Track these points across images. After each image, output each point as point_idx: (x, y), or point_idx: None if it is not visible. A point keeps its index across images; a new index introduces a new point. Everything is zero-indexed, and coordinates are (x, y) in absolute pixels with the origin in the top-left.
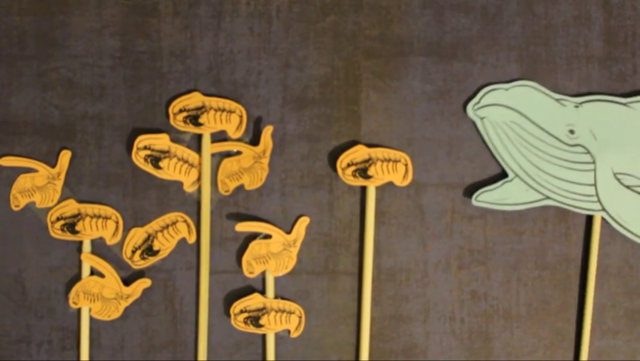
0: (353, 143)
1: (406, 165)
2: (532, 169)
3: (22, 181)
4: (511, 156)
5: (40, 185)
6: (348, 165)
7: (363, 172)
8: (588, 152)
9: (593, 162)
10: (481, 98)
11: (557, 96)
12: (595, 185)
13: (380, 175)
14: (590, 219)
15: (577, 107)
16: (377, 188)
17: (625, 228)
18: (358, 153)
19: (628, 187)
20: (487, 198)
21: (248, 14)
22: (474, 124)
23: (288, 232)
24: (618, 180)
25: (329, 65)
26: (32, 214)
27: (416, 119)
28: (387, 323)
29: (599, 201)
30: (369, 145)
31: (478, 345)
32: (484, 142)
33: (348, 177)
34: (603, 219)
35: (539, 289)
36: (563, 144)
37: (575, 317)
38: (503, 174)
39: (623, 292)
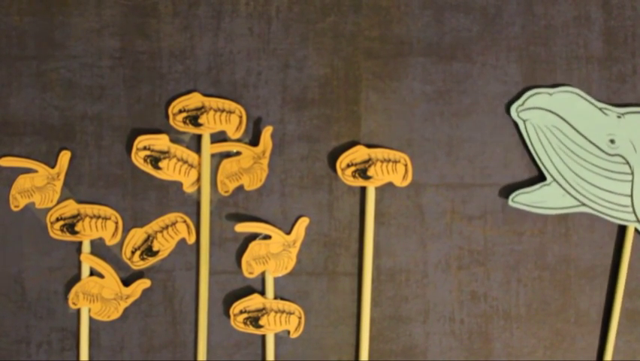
0: (353, 143)
1: (406, 165)
2: (571, 175)
3: (22, 182)
4: (550, 160)
5: (39, 185)
6: (348, 166)
7: (362, 173)
8: (627, 162)
9: (632, 173)
10: (525, 101)
11: (601, 105)
12: (631, 196)
13: (380, 176)
14: (622, 229)
15: (619, 117)
16: (377, 188)
17: None
18: (358, 153)
19: None
20: (525, 200)
21: (247, 15)
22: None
23: (288, 233)
24: None
25: (329, 65)
26: (32, 215)
27: (416, 120)
28: (386, 323)
29: (634, 212)
30: (369, 145)
31: (478, 346)
32: (525, 146)
33: (347, 178)
34: (636, 230)
35: (539, 289)
36: (603, 152)
37: (575, 318)
38: (541, 177)
39: (622, 293)
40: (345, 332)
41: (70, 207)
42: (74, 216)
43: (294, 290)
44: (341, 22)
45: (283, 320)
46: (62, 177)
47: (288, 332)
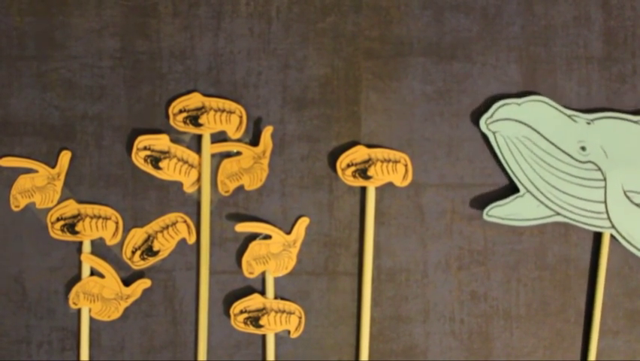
0: (353, 143)
1: (406, 165)
2: (544, 185)
3: (22, 182)
4: (522, 171)
5: (40, 185)
6: (348, 166)
7: (363, 173)
8: (599, 169)
9: (604, 179)
10: (493, 113)
11: (570, 112)
12: (605, 202)
13: (380, 176)
14: (597, 235)
15: (589, 123)
16: (377, 188)
17: (634, 246)
18: (358, 153)
19: (638, 205)
20: (499, 213)
21: (248, 15)
22: (477, 130)
23: (288, 233)
24: (628, 197)
25: (329, 65)
26: (32, 215)
27: (416, 120)
28: (387, 323)
29: (608, 218)
30: (369, 145)
31: (478, 345)
32: (491, 150)
33: (348, 178)
34: (612, 236)
35: (539, 289)
36: (574, 160)
37: (575, 318)
38: (510, 188)
39: (622, 293)
40: (346, 332)
41: (71, 207)
42: (75, 216)
43: (295, 290)
44: (341, 22)
45: (283, 320)
46: (63, 177)
47: (289, 332)
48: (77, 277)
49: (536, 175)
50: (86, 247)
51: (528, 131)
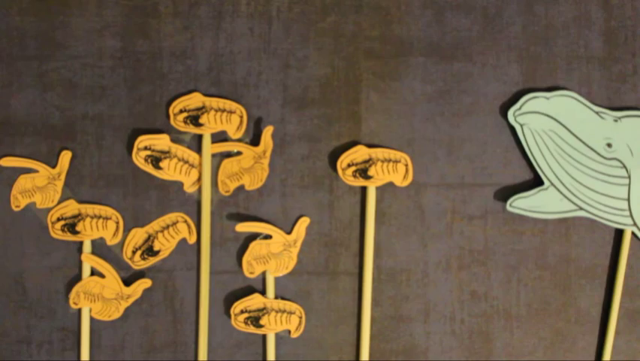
0: (353, 143)
1: (407, 165)
2: (568, 179)
3: (23, 182)
4: (548, 164)
5: (40, 185)
6: (349, 166)
7: (363, 172)
8: (624, 166)
9: (628, 177)
10: (522, 105)
11: (597, 109)
12: (628, 199)
13: (380, 175)
14: (619, 232)
15: (616, 121)
16: (377, 188)
17: None
18: (359, 153)
19: None
20: (522, 204)
21: (248, 15)
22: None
23: (289, 233)
24: None
25: (329, 65)
26: (33, 215)
27: (416, 120)
28: (387, 323)
29: (630, 216)
30: (370, 145)
31: (479, 345)
32: (521, 150)
33: (348, 178)
34: (633, 233)
35: (539, 289)
36: (600, 156)
37: (575, 317)
38: (538, 182)
39: (623, 293)
40: (346, 332)
41: (71, 207)
42: (75, 216)
43: (295, 290)
44: (342, 22)
45: (284, 320)
46: (63, 177)
47: (289, 332)
48: (78, 277)
49: (561, 169)
50: (87, 247)
51: (555, 125)
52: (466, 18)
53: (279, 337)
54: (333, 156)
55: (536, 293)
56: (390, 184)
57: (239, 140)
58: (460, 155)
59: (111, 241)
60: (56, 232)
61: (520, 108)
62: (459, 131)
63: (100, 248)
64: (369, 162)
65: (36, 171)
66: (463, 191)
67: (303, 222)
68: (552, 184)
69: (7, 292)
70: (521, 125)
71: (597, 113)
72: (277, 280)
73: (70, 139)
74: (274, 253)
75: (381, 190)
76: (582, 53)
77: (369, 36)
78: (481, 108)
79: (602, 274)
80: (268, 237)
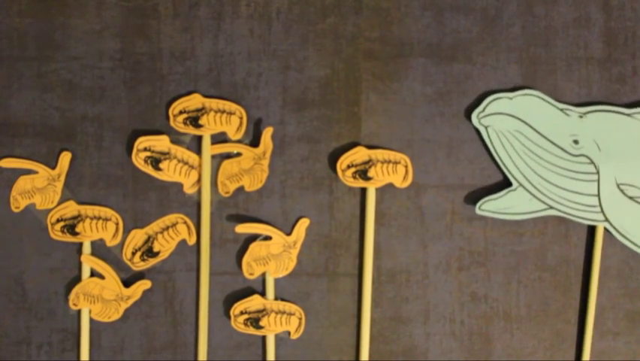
0: (353, 144)
1: (406, 166)
2: (536, 178)
3: (23, 183)
4: (515, 165)
5: (40, 186)
6: (348, 167)
7: (363, 174)
8: (592, 162)
9: (597, 173)
10: (485, 107)
11: (562, 106)
12: (598, 195)
13: (380, 177)
14: (592, 228)
15: (581, 117)
16: (377, 189)
17: (628, 239)
18: (358, 154)
19: (631, 198)
20: (491, 207)
21: (248, 16)
22: (477, 131)
23: (288, 234)
24: (621, 190)
25: (329, 66)
26: (32, 216)
27: (416, 121)
28: (387, 324)
29: (602, 211)
30: (369, 147)
31: (478, 347)
32: (487, 150)
33: (348, 179)
34: (605, 229)
35: (539, 290)
36: (567, 153)
37: (576, 319)
38: (507, 183)
39: (623, 294)
40: (346, 333)
41: (71, 208)
42: (75, 218)
43: (295, 291)
44: (341, 23)
45: (284, 321)
46: (63, 178)
47: (289, 333)
48: (77, 278)
49: (529, 169)
50: (86, 248)
51: (520, 125)
52: (466, 19)
53: (278, 338)
54: (333, 157)
55: (536, 294)
56: (390, 185)
57: (238, 141)
58: (459, 156)
59: (111, 242)
60: (56, 233)
61: (483, 110)
62: (459, 132)
63: (99, 249)
64: (368, 163)
65: (36, 172)
66: (463, 192)
67: (303, 224)
68: (520, 185)
69: (6, 293)
70: (486, 128)
71: (562, 110)
72: (277, 281)
73: (69, 140)
74: (274, 254)
75: (381, 191)
76: (582, 54)
77: (369, 37)
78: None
79: (602, 275)
80: (268, 238)
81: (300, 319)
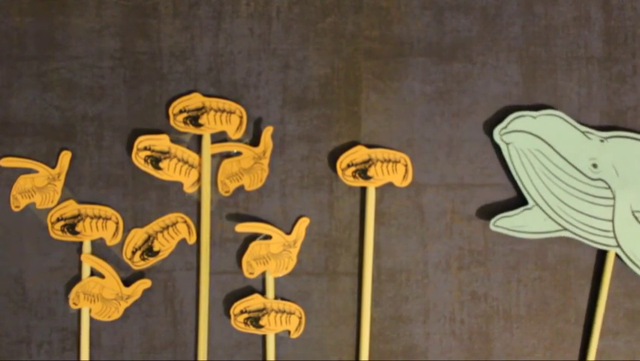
0: (353, 143)
1: (406, 165)
2: (553, 199)
3: (23, 182)
4: (532, 184)
5: (40, 186)
6: (348, 166)
7: (363, 173)
8: (609, 187)
9: (613, 198)
10: (508, 124)
11: (584, 129)
12: (612, 221)
13: (380, 176)
14: (602, 253)
15: (602, 141)
16: (377, 189)
17: (638, 266)
18: (358, 153)
19: None
20: (506, 224)
21: (248, 15)
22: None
23: (288, 233)
24: (636, 218)
25: (329, 65)
26: (32, 215)
27: (416, 120)
28: (387, 323)
29: (614, 237)
30: (369, 146)
31: (478, 346)
32: (505, 167)
33: (347, 178)
34: (617, 255)
35: (539, 289)
36: (585, 177)
37: (575, 318)
38: (522, 201)
39: (623, 293)
40: (346, 332)
41: (71, 207)
42: (75, 217)
43: (295, 290)
44: (341, 22)
45: (284, 320)
46: (63, 177)
47: (289, 332)
48: (77, 278)
49: (546, 189)
50: (86, 248)
51: (541, 144)
52: (466, 18)
53: (278, 337)
54: (333, 157)
55: (536, 294)
56: (390, 184)
57: (238, 140)
58: (459, 155)
59: (111, 242)
60: (56, 233)
61: (506, 127)
62: (459, 131)
63: (99, 248)
64: (368, 162)
65: (36, 172)
66: (463, 191)
67: (303, 223)
68: (537, 204)
69: (6, 292)
70: (507, 144)
71: (584, 133)
72: (277, 280)
73: (69, 139)
74: (274, 253)
75: (381, 190)
76: (582, 53)
77: (369, 36)
78: (481, 108)
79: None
80: (268, 237)
81: (300, 318)
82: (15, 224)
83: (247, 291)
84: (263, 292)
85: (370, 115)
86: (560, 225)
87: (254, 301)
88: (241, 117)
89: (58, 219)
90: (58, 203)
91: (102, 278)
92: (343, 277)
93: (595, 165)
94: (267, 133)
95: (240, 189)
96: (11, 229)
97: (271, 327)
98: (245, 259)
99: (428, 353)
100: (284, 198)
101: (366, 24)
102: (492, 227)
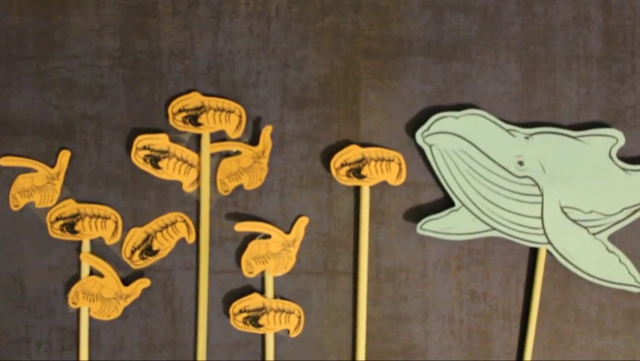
0: (347, 143)
1: (400, 164)
2: (480, 199)
3: (22, 181)
4: (458, 185)
5: (39, 185)
6: (342, 165)
7: (357, 172)
8: (536, 184)
9: (541, 195)
10: (430, 125)
11: (508, 127)
12: (541, 218)
13: (374, 175)
14: (534, 251)
15: (527, 138)
16: (376, 188)
17: (570, 262)
18: (352, 153)
19: (574, 221)
20: (432, 226)
21: (247, 14)
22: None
23: (287, 232)
24: (565, 213)
25: (328, 65)
26: (32, 214)
27: (415, 119)
28: (386, 322)
29: (545, 234)
30: (363, 145)
31: (477, 345)
32: (430, 169)
33: (342, 178)
34: (548, 252)
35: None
36: (512, 175)
37: (575, 317)
38: (449, 203)
39: (622, 292)
40: (345, 332)
41: (70, 206)
42: (74, 216)
43: (294, 289)
44: (340, 21)
45: (283, 320)
46: (62, 176)
47: (288, 332)
48: (77, 277)
49: (472, 189)
50: (86, 247)
51: (465, 144)
52: (465, 18)
53: (277, 336)
54: (332, 156)
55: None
56: (389, 184)
57: (238, 139)
58: None
59: (110, 241)
60: (55, 232)
61: (428, 129)
62: None
63: (99, 248)
64: (362, 161)
65: (35, 171)
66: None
67: (302, 222)
68: (463, 205)
69: (5, 291)
70: (430, 146)
71: (508, 131)
72: (276, 279)
73: (69, 139)
74: (273, 252)
75: (380, 190)
76: (581, 52)
77: (368, 36)
78: (480, 108)
79: None
80: (267, 236)
81: (300, 317)
82: (14, 223)
83: (246, 290)
84: (262, 292)
85: (369, 114)
86: (488, 225)
87: (253, 301)
88: (240, 116)
89: (57, 219)
90: (58, 202)
91: (101, 277)
92: (342, 277)
93: (521, 163)
94: (267, 132)
95: (239, 188)
96: (10, 228)
97: (270, 326)
98: (244, 258)
99: (427, 352)
100: (283, 197)
101: (365, 23)
102: (419, 230)
